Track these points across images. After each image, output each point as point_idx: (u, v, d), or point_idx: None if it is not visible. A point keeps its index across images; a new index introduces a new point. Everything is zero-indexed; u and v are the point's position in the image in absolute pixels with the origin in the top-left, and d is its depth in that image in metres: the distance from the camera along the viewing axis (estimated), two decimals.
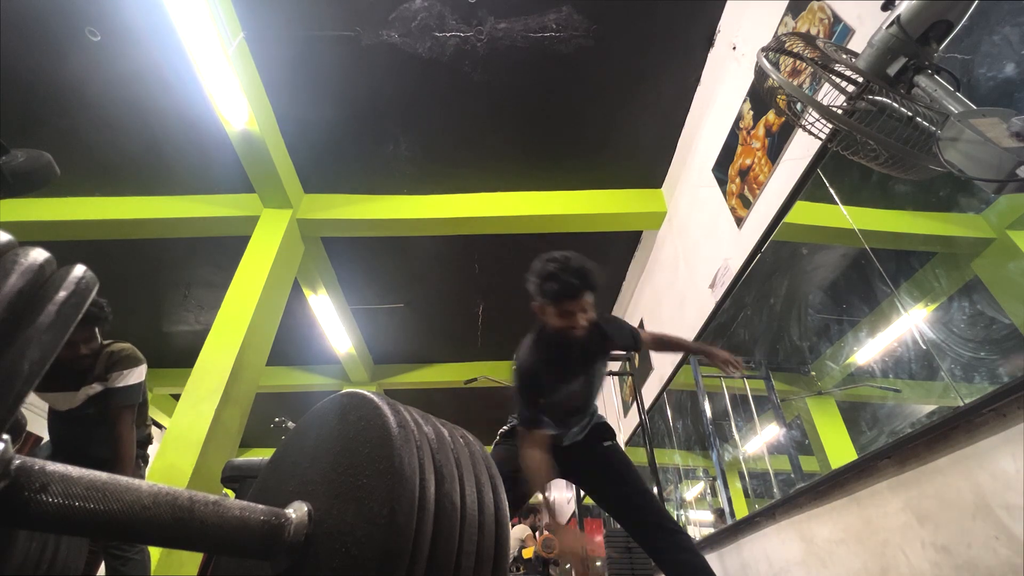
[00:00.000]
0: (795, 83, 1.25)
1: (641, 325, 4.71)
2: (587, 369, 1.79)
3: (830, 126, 1.12)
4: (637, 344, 1.93)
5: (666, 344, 2.13)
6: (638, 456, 4.72)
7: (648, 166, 4.00)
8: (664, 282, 4.17)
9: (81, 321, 1.83)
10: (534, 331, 1.75)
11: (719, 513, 3.81)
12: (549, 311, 1.61)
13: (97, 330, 2.07)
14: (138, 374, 2.13)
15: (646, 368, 4.50)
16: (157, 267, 4.81)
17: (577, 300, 1.56)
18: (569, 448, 1.88)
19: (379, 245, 4.57)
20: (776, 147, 2.48)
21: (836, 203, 2.10)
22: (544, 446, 1.66)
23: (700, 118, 3.45)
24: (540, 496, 1.69)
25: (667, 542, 1.68)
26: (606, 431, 1.93)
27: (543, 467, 1.63)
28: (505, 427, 1.97)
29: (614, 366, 4.78)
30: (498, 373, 5.57)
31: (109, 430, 2.05)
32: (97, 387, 2.08)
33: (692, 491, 5.61)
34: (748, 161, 2.76)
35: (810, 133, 1.21)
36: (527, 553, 5.14)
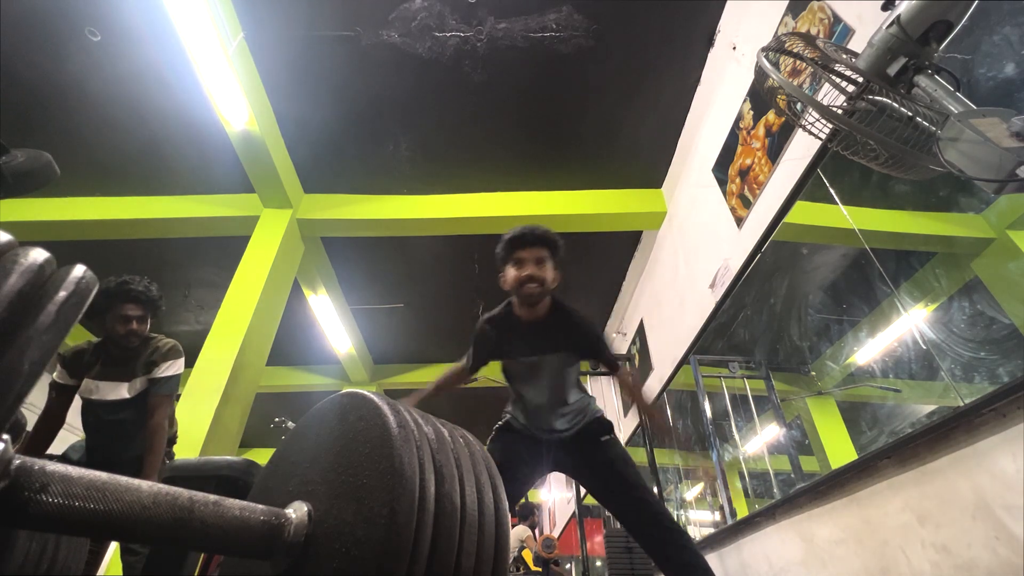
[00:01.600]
0: (795, 83, 1.25)
1: (641, 325, 4.71)
2: (539, 352, 1.79)
3: (830, 126, 1.12)
4: (610, 367, 1.91)
5: (631, 393, 2.12)
6: (638, 456, 4.71)
7: (648, 166, 4.00)
8: (664, 282, 4.17)
9: (140, 302, 1.85)
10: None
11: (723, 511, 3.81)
12: (506, 270, 1.71)
13: (150, 317, 2.15)
14: (179, 366, 2.21)
15: (646, 368, 4.50)
16: (157, 267, 4.80)
17: (528, 248, 1.67)
18: (563, 443, 1.86)
19: (379, 245, 4.57)
20: (776, 147, 2.48)
21: (836, 203, 2.10)
22: (456, 372, 1.94)
23: (700, 118, 3.45)
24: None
25: (666, 541, 1.67)
26: (602, 426, 1.89)
27: (445, 379, 1.94)
28: (499, 422, 1.97)
29: None
30: (498, 373, 5.56)
31: (146, 421, 2.08)
32: (142, 383, 2.12)
33: (692, 491, 5.60)
34: (748, 161, 2.76)
35: (810, 133, 1.21)
36: (527, 554, 5.14)
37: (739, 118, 2.89)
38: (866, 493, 1.69)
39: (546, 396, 1.83)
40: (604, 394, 5.69)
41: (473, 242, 4.51)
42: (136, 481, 0.50)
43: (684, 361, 3.68)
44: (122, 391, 2.09)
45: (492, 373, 2.07)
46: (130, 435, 2.12)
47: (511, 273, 1.69)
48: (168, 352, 2.19)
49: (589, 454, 1.84)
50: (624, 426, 5.03)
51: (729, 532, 2.72)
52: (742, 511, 3.04)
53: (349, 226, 4.10)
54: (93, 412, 2.10)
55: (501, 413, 2.01)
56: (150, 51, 3.10)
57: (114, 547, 2.09)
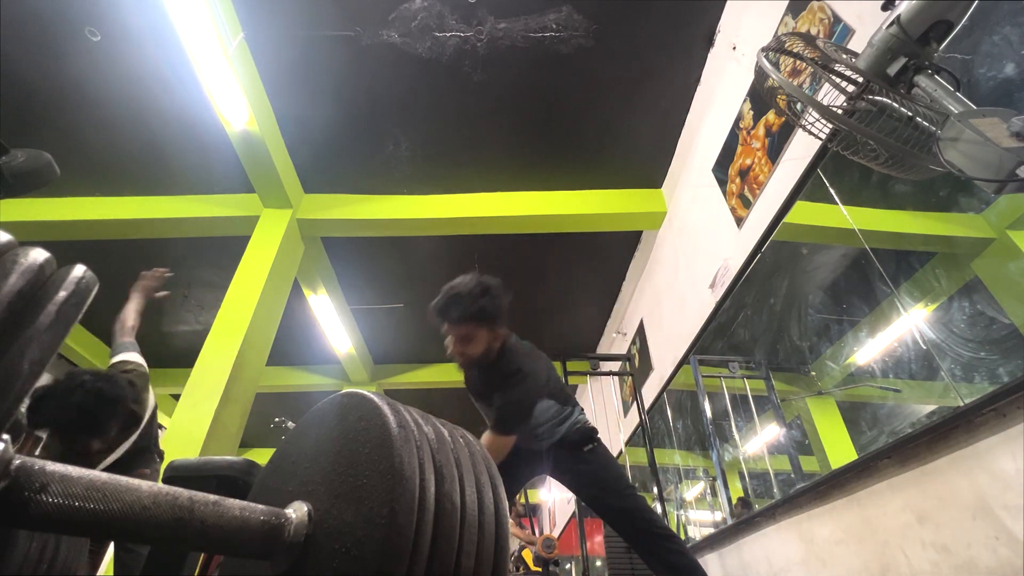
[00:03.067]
0: (795, 83, 1.25)
1: (641, 325, 4.71)
2: (483, 399, 1.82)
3: (830, 126, 1.12)
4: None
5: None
6: (638, 456, 4.71)
7: (648, 166, 4.00)
8: (664, 282, 4.17)
9: (90, 430, 1.48)
10: None
11: (742, 502, 3.80)
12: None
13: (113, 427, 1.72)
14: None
15: (646, 368, 4.50)
16: (157, 267, 4.80)
17: (452, 326, 1.71)
18: (552, 450, 1.85)
19: (379, 245, 4.57)
20: (776, 147, 2.48)
21: (836, 203, 2.10)
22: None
23: (700, 118, 3.45)
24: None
25: (655, 546, 1.67)
26: (583, 437, 1.86)
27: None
28: None
29: (614, 366, 4.79)
30: None
31: None
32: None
33: (692, 491, 5.60)
34: (748, 161, 2.76)
35: (810, 133, 1.21)
36: (527, 554, 5.14)
37: (739, 118, 2.89)
38: (866, 493, 1.69)
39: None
40: (604, 393, 5.68)
41: (473, 242, 4.51)
42: (136, 481, 0.50)
43: (684, 361, 3.68)
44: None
45: None
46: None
47: (446, 340, 1.76)
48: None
49: (572, 465, 1.84)
50: (624, 426, 5.03)
51: (729, 532, 2.73)
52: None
53: (349, 226, 4.10)
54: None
55: None
56: (150, 51, 3.10)
57: (114, 547, 2.07)
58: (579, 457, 1.83)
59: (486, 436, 1.66)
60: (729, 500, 3.29)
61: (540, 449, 1.86)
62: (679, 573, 1.63)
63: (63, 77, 3.22)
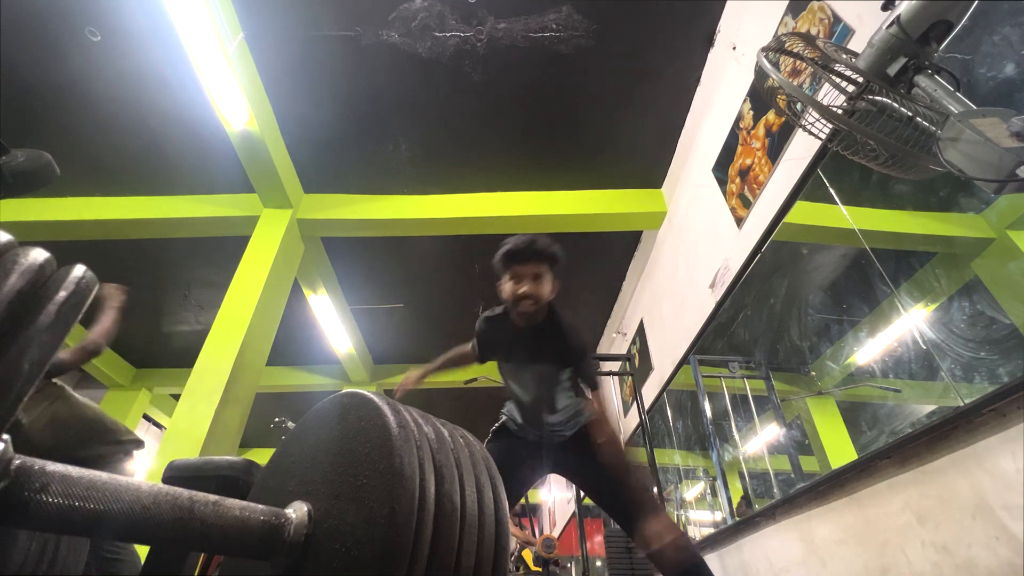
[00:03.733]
0: (795, 83, 1.25)
1: (641, 325, 4.71)
2: (531, 359, 1.77)
3: (830, 126, 1.12)
4: (588, 383, 1.80)
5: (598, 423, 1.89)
6: (638, 456, 4.70)
7: (648, 166, 4.00)
8: (664, 282, 4.17)
9: None
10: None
11: (745, 502, 3.80)
12: (503, 281, 1.67)
13: None
14: None
15: (646, 368, 4.50)
16: (157, 267, 4.80)
17: (526, 264, 1.63)
18: (558, 445, 1.86)
19: (379, 245, 4.57)
20: (776, 147, 2.48)
21: (836, 203, 2.10)
22: (463, 354, 1.98)
23: (700, 118, 3.45)
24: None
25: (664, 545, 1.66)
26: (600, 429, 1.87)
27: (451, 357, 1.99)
28: (496, 423, 1.97)
29: (614, 366, 4.79)
30: (498, 373, 5.55)
31: None
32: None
33: (692, 491, 5.60)
34: (748, 161, 2.76)
35: (810, 133, 1.21)
36: (527, 554, 5.14)
37: (739, 118, 2.89)
38: (866, 493, 1.69)
39: (535, 399, 1.82)
40: (604, 395, 5.67)
41: (473, 242, 4.51)
42: (136, 481, 0.50)
43: (684, 361, 3.68)
44: None
45: (492, 373, 2.06)
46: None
47: (508, 287, 1.65)
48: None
49: (584, 458, 1.83)
50: (624, 426, 5.03)
51: (729, 532, 2.73)
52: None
53: (349, 226, 4.10)
54: None
55: (498, 414, 2.01)
56: (150, 51, 3.10)
57: (99, 551, 2.04)
58: (592, 451, 1.83)
59: (597, 394, 1.77)
60: (729, 500, 3.29)
61: (546, 443, 1.85)
62: (686, 572, 1.62)
63: (63, 77, 3.22)
